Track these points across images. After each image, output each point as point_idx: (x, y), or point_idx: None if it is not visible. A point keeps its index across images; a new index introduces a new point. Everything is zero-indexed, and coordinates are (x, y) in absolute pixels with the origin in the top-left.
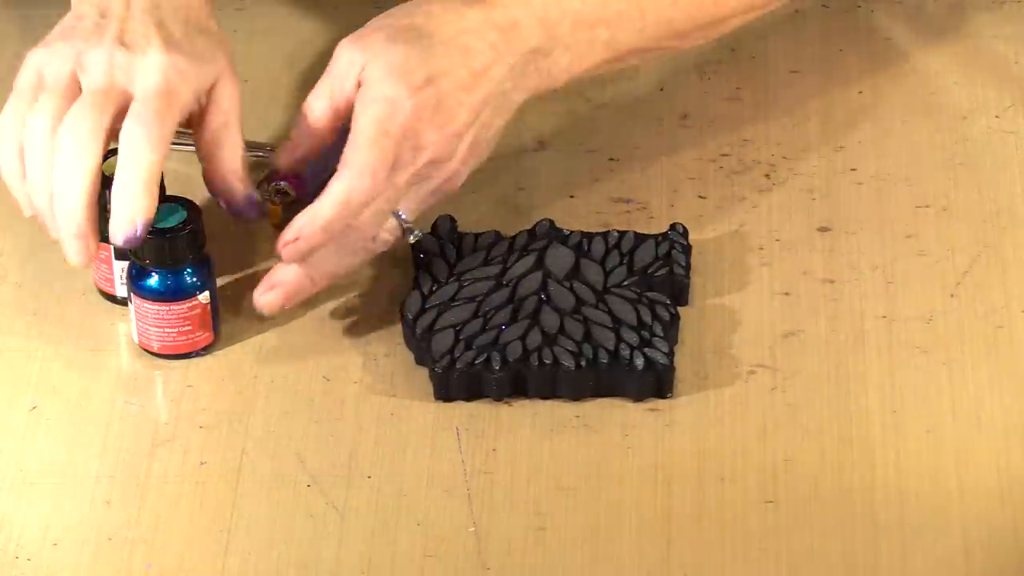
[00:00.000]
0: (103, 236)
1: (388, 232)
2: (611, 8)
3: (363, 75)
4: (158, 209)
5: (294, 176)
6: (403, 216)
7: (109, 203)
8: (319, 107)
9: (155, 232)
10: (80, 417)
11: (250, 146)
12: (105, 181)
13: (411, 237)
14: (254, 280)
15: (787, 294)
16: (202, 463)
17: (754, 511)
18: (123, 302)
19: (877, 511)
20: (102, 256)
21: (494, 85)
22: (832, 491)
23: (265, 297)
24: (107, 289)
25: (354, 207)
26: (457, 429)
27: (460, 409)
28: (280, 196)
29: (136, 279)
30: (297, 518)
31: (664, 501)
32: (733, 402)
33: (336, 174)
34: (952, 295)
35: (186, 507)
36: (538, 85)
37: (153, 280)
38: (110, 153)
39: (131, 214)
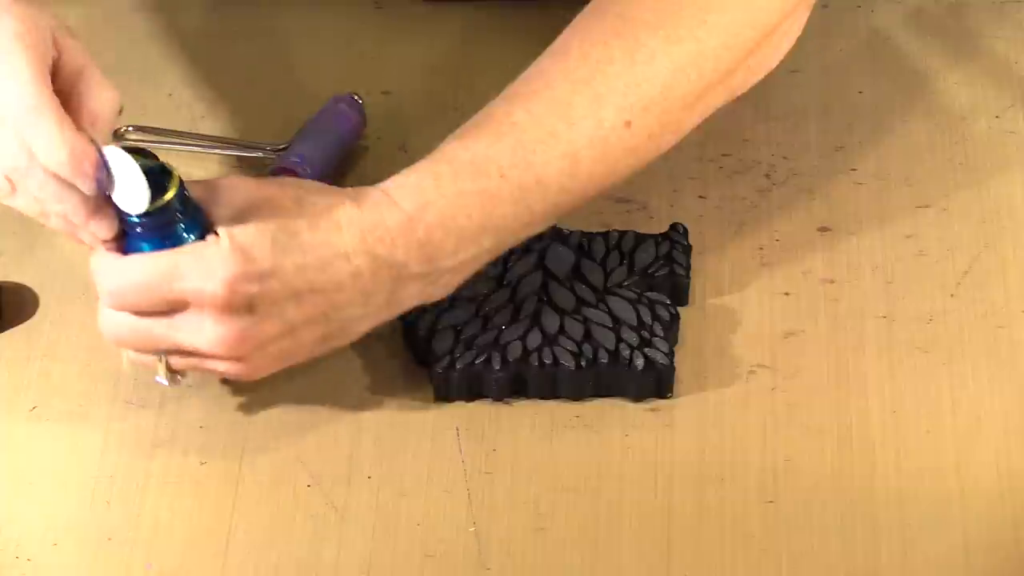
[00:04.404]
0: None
1: (158, 369)
2: (498, 212)
3: (224, 227)
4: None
5: (293, 175)
6: (165, 359)
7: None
8: None
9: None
10: (80, 417)
11: (247, 146)
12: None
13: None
14: None
15: (787, 294)
16: (202, 463)
17: (754, 511)
18: None
19: (877, 511)
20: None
21: (331, 309)
22: (832, 491)
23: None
24: None
25: (123, 288)
26: (457, 429)
27: (460, 409)
28: None
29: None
30: (297, 518)
31: (664, 501)
32: (733, 402)
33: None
34: (952, 295)
35: (186, 507)
36: (412, 303)
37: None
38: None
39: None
